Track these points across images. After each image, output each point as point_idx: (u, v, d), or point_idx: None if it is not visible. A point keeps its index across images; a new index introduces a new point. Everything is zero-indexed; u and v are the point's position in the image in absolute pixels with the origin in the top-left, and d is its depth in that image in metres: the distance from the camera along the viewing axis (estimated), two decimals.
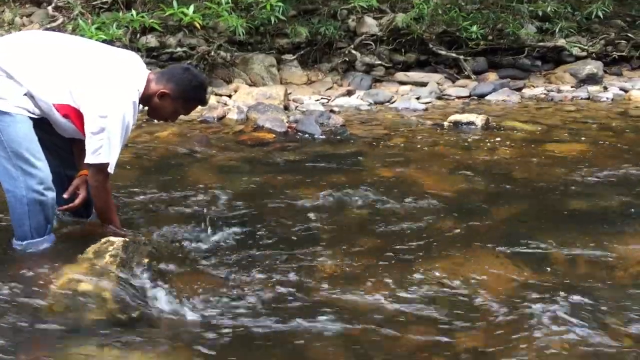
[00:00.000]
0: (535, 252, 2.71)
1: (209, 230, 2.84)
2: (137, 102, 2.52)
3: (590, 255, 2.67)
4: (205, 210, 3.13)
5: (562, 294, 2.29)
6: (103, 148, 2.44)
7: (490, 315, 2.16)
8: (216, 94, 6.27)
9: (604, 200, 3.32)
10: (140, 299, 2.19)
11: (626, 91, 6.85)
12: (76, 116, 2.45)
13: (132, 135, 4.59)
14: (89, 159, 2.46)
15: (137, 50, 6.11)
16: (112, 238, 2.37)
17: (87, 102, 2.42)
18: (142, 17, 5.92)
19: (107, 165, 2.47)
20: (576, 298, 2.26)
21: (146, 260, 2.37)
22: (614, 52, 7.93)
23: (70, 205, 2.66)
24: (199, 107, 5.46)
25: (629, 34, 8.04)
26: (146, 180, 3.65)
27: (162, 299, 2.19)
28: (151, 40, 6.57)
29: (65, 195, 2.62)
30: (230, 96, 6.29)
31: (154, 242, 2.59)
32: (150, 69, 2.66)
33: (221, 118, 5.51)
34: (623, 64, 8.00)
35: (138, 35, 6.51)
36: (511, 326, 2.08)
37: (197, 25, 5.93)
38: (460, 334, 2.05)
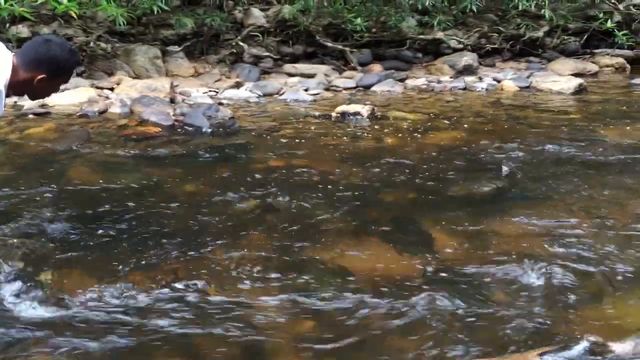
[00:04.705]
0: (421, 235, 2.84)
1: (91, 228, 2.72)
2: (4, 91, 2.35)
3: (469, 235, 2.83)
4: (88, 209, 3.00)
5: (443, 274, 2.44)
6: None
7: (379, 300, 2.24)
8: (97, 87, 5.99)
9: (480, 184, 3.54)
10: (15, 307, 2.07)
11: (499, 81, 7.32)
12: None
13: (1, 132, 4.30)
14: None
15: (8, 41, 5.70)
16: None
17: None
18: (11, 5, 5.51)
19: None
20: (458, 277, 2.41)
21: (20, 265, 2.23)
22: (487, 45, 8.44)
23: None
24: (79, 101, 5.28)
25: (500, 28, 8.60)
26: (19, 180, 3.42)
27: (39, 304, 2.08)
28: (22, 30, 6.15)
29: None
30: (112, 89, 6.03)
31: (27, 244, 2.44)
32: (13, 52, 2.48)
33: (103, 112, 5.27)
34: (496, 55, 8.55)
35: (7, 25, 6.07)
36: (396, 309, 2.18)
37: (73, 14, 5.62)
38: (351, 322, 2.11)
